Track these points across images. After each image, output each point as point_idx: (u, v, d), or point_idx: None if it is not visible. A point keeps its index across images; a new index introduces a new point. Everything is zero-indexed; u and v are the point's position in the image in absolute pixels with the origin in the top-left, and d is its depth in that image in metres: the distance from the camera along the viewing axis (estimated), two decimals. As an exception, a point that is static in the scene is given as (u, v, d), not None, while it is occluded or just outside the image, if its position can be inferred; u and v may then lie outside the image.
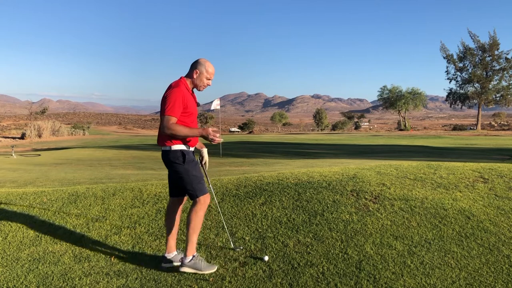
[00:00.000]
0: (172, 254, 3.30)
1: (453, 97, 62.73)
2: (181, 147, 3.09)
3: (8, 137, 43.81)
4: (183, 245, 3.64)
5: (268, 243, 3.59)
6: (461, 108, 64.34)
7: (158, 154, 4.16)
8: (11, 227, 4.17)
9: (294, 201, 4.47)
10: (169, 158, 3.09)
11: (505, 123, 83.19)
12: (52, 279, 3.10)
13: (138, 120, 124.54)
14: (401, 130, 65.03)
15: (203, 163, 3.45)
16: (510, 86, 57.36)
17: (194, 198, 3.13)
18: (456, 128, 71.57)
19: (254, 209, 4.33)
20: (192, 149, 3.19)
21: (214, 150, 17.27)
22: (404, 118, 70.08)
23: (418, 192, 4.69)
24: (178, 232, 3.48)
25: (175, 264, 3.23)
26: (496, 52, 56.97)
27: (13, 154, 18.23)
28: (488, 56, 57.72)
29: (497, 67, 57.75)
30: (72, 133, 48.48)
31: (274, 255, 3.37)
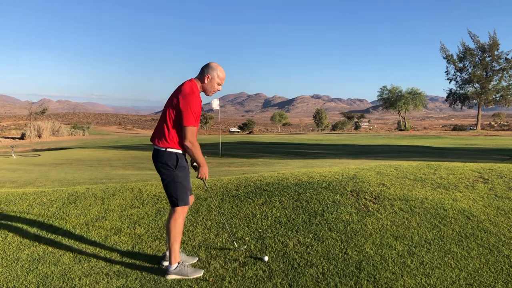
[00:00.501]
0: None
1: (453, 97, 62.71)
2: (177, 150, 3.07)
3: (8, 137, 43.80)
4: (183, 245, 3.64)
5: (268, 243, 3.59)
6: (461, 108, 64.32)
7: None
8: (11, 227, 4.17)
9: (294, 201, 4.47)
10: (162, 160, 3.06)
11: (505, 123, 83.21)
12: (52, 279, 3.10)
13: (138, 120, 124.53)
14: (401, 130, 65.03)
15: (193, 164, 3.36)
16: (510, 86, 57.34)
17: (174, 206, 3.11)
18: (456, 128, 71.56)
19: (254, 209, 4.32)
20: (184, 154, 3.16)
21: (214, 150, 17.27)
22: (404, 118, 70.08)
23: (418, 192, 4.69)
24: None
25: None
26: (496, 53, 56.94)
27: (13, 154, 18.23)
28: (488, 56, 57.70)
29: (497, 67, 57.73)
30: (72, 133, 48.47)
31: (274, 255, 3.37)
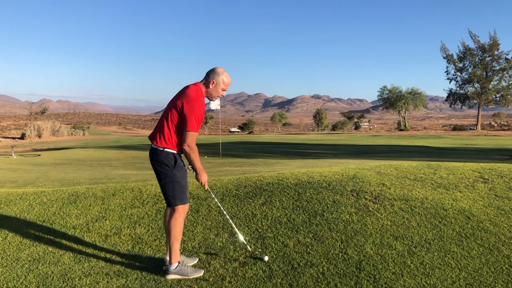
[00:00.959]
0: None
1: (453, 97, 62.70)
2: (174, 151, 3.08)
3: (8, 137, 43.80)
4: (183, 245, 3.64)
5: (268, 243, 3.59)
6: (461, 108, 64.32)
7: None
8: (11, 227, 4.17)
9: (294, 201, 4.47)
10: (160, 158, 3.06)
11: (505, 123, 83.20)
12: (52, 279, 3.10)
13: (138, 120, 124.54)
14: (401, 130, 65.00)
15: (189, 166, 3.35)
16: (510, 86, 57.31)
17: (171, 205, 3.11)
18: (456, 128, 71.54)
19: (254, 209, 4.33)
20: (180, 154, 3.16)
21: (214, 150, 17.27)
22: (404, 118, 70.06)
23: (418, 192, 4.69)
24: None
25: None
26: (496, 52, 56.93)
27: (13, 154, 18.23)
28: (488, 56, 57.69)
29: (497, 67, 57.72)
30: (72, 133, 48.47)
31: (274, 255, 3.37)
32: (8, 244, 3.82)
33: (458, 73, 60.97)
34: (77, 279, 3.09)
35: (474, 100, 60.38)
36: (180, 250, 3.47)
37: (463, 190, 4.78)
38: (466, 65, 59.86)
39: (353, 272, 3.06)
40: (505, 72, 57.06)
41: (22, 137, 41.51)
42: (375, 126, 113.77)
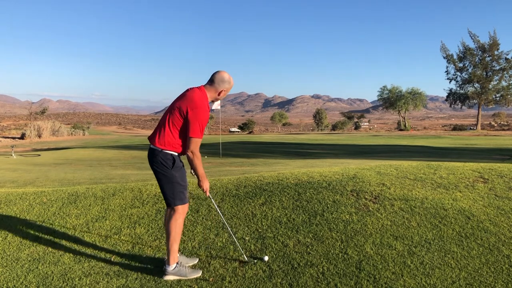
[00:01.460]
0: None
1: (453, 97, 62.70)
2: (173, 152, 3.08)
3: (8, 137, 43.79)
4: (183, 245, 3.64)
5: (268, 243, 3.59)
6: (461, 108, 64.32)
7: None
8: (11, 227, 4.17)
9: (294, 201, 4.47)
10: (159, 159, 3.05)
11: (505, 123, 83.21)
12: (52, 279, 3.10)
13: (138, 120, 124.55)
14: (401, 130, 65.01)
15: (191, 171, 3.34)
16: (510, 86, 57.32)
17: (171, 205, 3.11)
18: (456, 128, 71.54)
19: (254, 209, 4.32)
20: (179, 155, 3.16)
21: (214, 150, 17.27)
22: (404, 118, 70.07)
23: (418, 192, 4.69)
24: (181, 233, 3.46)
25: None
26: (496, 52, 56.94)
27: (13, 154, 18.23)
28: (488, 56, 57.70)
29: (497, 67, 57.72)
30: (72, 133, 48.45)
31: (274, 255, 3.37)
32: (8, 244, 3.82)
33: (458, 73, 60.99)
34: (77, 279, 3.09)
35: (474, 100, 60.39)
36: (180, 250, 3.47)
37: (463, 190, 4.78)
38: (466, 65, 59.88)
39: (353, 272, 3.06)
40: (505, 72, 57.06)
41: (22, 137, 41.50)
42: (375, 126, 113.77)
